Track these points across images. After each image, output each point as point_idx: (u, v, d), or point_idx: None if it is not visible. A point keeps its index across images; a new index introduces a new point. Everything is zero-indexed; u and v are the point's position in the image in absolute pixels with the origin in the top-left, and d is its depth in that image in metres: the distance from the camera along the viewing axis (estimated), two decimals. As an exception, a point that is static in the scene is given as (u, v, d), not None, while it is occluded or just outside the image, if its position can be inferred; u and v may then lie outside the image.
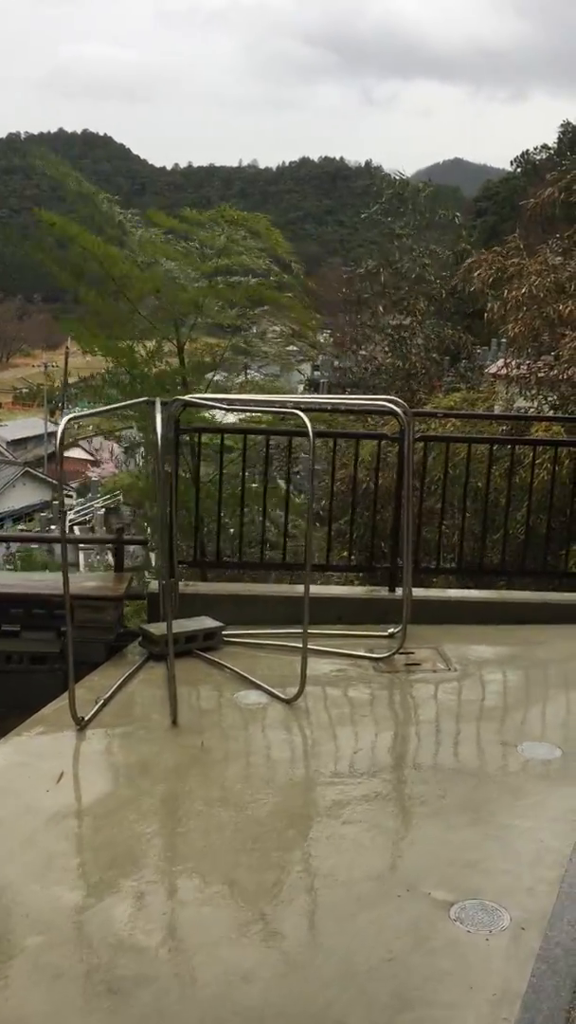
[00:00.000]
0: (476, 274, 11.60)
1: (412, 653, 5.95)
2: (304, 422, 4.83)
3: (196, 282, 8.64)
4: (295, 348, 23.40)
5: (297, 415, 4.94)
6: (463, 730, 4.81)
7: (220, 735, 4.76)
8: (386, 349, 15.97)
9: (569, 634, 6.37)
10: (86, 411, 7.23)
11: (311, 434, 4.78)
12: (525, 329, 10.53)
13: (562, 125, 45.08)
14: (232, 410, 6.19)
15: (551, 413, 10.20)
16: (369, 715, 4.99)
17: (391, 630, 6.10)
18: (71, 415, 5.33)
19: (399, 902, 3.30)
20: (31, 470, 43.97)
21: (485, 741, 4.65)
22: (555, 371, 10.65)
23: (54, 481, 42.96)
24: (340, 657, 5.83)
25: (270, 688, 5.20)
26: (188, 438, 7.06)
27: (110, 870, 3.48)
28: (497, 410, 10.88)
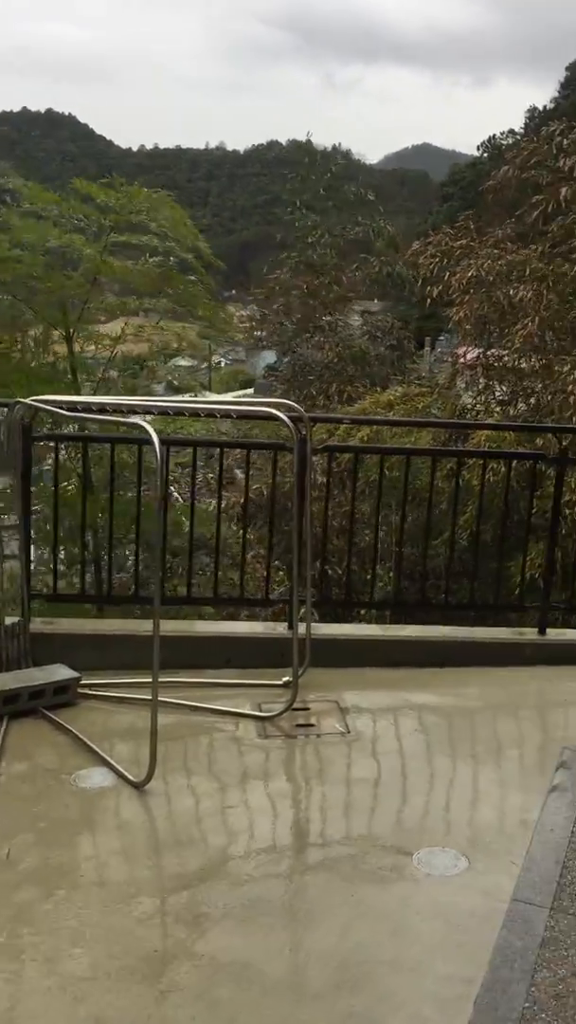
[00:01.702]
0: (421, 260, 10.54)
1: (307, 709, 4.95)
2: (148, 431, 3.79)
3: (88, 261, 7.51)
4: (261, 334, 22.29)
5: (141, 426, 3.89)
6: (347, 829, 3.80)
7: (37, 839, 3.70)
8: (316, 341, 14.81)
9: (498, 680, 5.40)
10: None
11: (156, 444, 3.77)
12: (471, 314, 9.51)
13: (528, 110, 44.54)
14: (72, 418, 5.11)
15: (498, 410, 9.22)
16: (231, 806, 3.95)
17: (286, 678, 5.10)
18: None
19: None
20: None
21: (372, 847, 3.63)
22: (506, 359, 9.64)
23: None
24: (218, 715, 4.81)
25: (119, 766, 4.16)
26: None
27: None
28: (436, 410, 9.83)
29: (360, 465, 6.24)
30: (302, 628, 5.32)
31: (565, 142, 9.44)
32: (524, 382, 9.38)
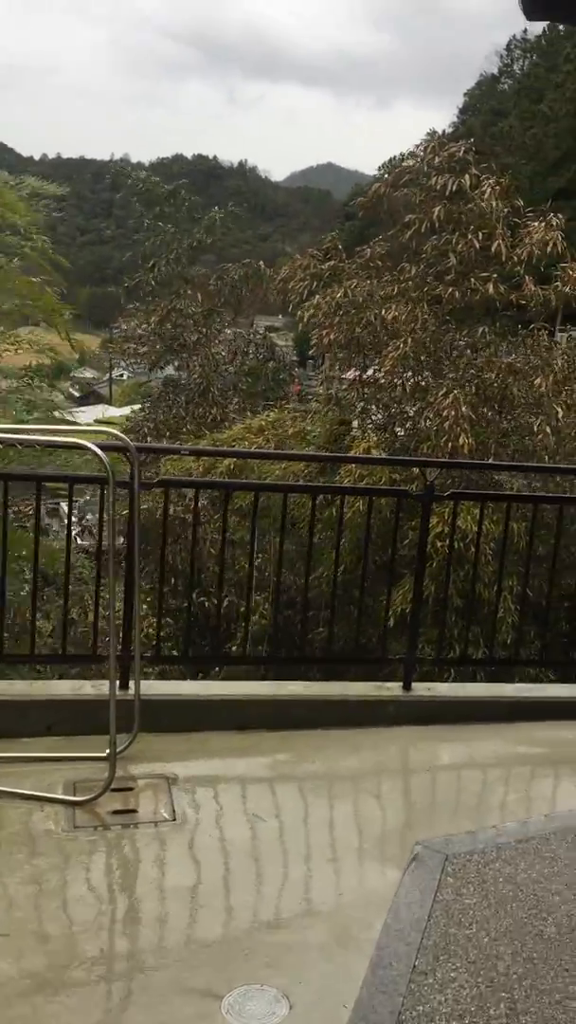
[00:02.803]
0: (291, 285, 10.00)
1: (131, 788, 4.25)
2: None
3: None
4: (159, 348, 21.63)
5: None
6: (147, 961, 3.09)
7: None
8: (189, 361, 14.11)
9: (358, 744, 4.80)
10: None
11: None
12: (342, 337, 9.00)
13: (428, 133, 45.34)
14: None
15: (374, 436, 8.71)
16: (5, 935, 3.20)
17: (109, 751, 4.38)
18: None
19: None
20: None
21: (174, 987, 2.94)
22: (382, 381, 9.16)
23: None
24: (22, 800, 4.05)
25: None
26: None
27: None
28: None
29: (221, 501, 5.61)
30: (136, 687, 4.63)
31: (437, 159, 9.05)
32: (400, 406, 8.93)
